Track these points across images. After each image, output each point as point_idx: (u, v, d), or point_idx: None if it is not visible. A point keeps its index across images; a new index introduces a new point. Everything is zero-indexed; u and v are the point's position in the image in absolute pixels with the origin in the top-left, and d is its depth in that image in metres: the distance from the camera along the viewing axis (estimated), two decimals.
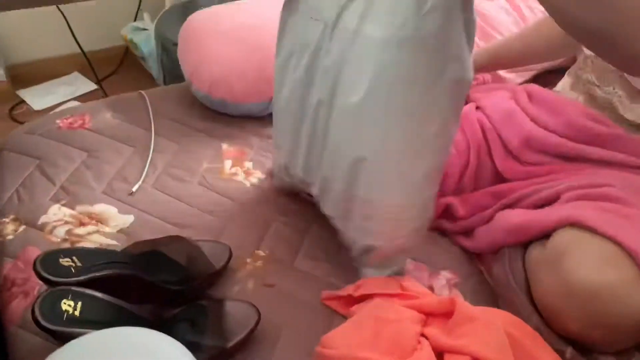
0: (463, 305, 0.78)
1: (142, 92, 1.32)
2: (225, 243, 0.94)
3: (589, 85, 1.00)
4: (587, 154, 0.93)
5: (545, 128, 0.99)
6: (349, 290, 0.88)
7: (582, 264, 0.72)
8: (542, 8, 1.50)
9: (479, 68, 1.09)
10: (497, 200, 0.95)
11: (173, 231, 0.99)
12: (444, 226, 1.00)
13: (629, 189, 0.83)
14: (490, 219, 0.94)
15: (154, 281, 0.84)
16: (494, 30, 1.38)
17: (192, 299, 0.84)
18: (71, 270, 0.79)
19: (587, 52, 0.99)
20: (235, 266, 0.94)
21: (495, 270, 0.90)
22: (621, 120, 0.95)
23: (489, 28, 1.37)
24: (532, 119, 1.01)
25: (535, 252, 0.85)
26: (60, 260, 0.80)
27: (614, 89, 0.95)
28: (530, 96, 1.06)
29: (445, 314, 0.79)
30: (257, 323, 0.82)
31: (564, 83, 1.10)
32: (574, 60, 1.12)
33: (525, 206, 0.91)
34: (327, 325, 0.85)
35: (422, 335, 0.78)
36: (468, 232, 0.98)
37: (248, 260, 0.95)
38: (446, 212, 1.00)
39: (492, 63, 1.17)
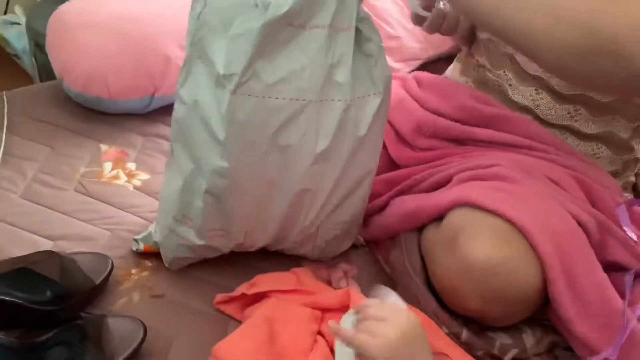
0: (358, 297, 0.76)
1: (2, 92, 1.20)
2: (105, 254, 0.87)
3: (479, 68, 1.02)
4: (477, 135, 0.95)
5: (435, 112, 0.99)
6: (242, 289, 0.84)
7: (477, 242, 0.74)
8: None
9: None
10: (391, 188, 0.95)
11: (46, 245, 0.91)
12: None
13: (517, 167, 0.85)
14: (384, 206, 0.93)
15: (21, 303, 0.76)
16: (382, 21, 1.38)
17: (68, 319, 0.77)
18: None
19: (482, 35, 1.00)
20: (119, 278, 0.87)
21: (392, 257, 0.90)
22: (510, 103, 0.97)
23: (378, 19, 1.37)
24: (422, 105, 1.02)
25: (429, 234, 0.85)
26: None
27: (504, 72, 0.96)
28: (419, 83, 1.07)
29: (342, 308, 0.77)
30: (144, 338, 0.76)
31: (454, 68, 1.11)
32: (459, 48, 1.13)
33: (419, 191, 0.91)
34: (222, 333, 0.81)
35: (319, 333, 0.76)
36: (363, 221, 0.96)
37: (133, 270, 0.89)
38: None
39: None
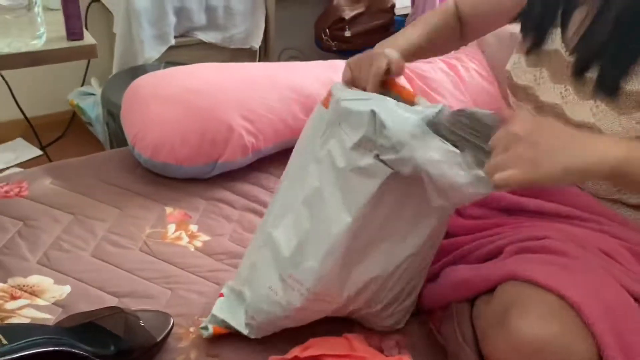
0: None
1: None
2: (166, 312, 0.91)
3: None
4: (527, 205, 0.95)
5: None
6: (295, 351, 0.85)
7: (527, 318, 0.73)
8: (476, 67, 1.56)
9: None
10: (442, 257, 0.95)
11: (111, 301, 0.95)
12: None
13: (568, 239, 0.85)
14: (436, 275, 0.94)
15: (88, 356, 0.79)
16: (433, 91, 1.43)
17: None
18: None
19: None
20: (178, 336, 0.90)
21: (444, 328, 0.89)
22: None
23: (429, 89, 1.42)
24: None
25: (480, 307, 0.84)
26: None
27: None
28: None
29: None
30: None
31: None
32: None
33: (470, 261, 0.91)
34: None
35: None
36: None
37: (191, 329, 0.92)
38: None
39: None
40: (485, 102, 1.45)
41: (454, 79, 1.46)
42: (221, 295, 0.91)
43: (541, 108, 0.95)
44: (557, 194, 0.94)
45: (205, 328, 0.88)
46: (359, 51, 1.89)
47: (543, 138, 0.68)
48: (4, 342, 0.75)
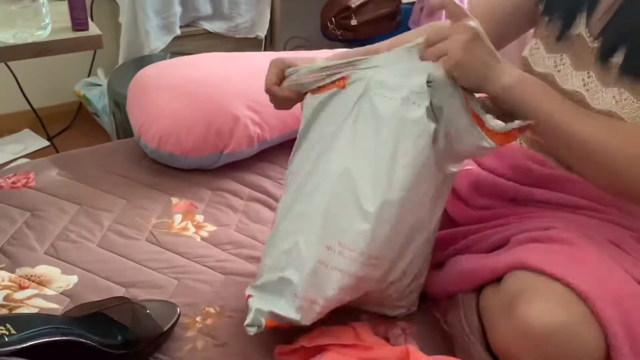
0: (417, 354, 0.76)
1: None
2: (173, 302, 0.91)
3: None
4: (534, 195, 0.94)
5: (493, 172, 1.00)
6: (302, 341, 0.85)
7: (534, 307, 0.73)
8: None
9: None
10: (448, 246, 0.95)
11: (118, 291, 0.96)
12: None
13: (575, 229, 0.84)
14: (441, 264, 0.93)
15: (95, 345, 0.80)
16: None
17: None
18: (4, 339, 0.74)
19: None
20: (185, 325, 0.90)
21: (450, 317, 0.90)
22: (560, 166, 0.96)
23: None
24: (480, 165, 1.03)
25: (488, 298, 0.84)
26: None
27: None
28: None
29: None
30: None
31: None
32: None
33: (476, 251, 0.91)
34: None
35: None
36: None
37: (198, 318, 0.92)
38: None
39: None
40: None
41: None
42: (249, 296, 0.86)
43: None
44: (564, 185, 0.93)
45: (252, 325, 0.82)
46: (365, 40, 1.88)
47: (474, 51, 0.78)
48: (13, 331, 0.76)
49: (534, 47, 0.97)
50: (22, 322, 0.78)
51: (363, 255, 0.80)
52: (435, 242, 0.93)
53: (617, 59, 0.83)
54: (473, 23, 0.78)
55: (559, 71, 0.92)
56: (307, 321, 0.83)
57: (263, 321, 0.82)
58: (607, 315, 0.71)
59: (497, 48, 0.82)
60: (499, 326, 0.78)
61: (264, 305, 0.83)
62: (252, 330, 0.82)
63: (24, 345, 0.74)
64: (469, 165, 1.05)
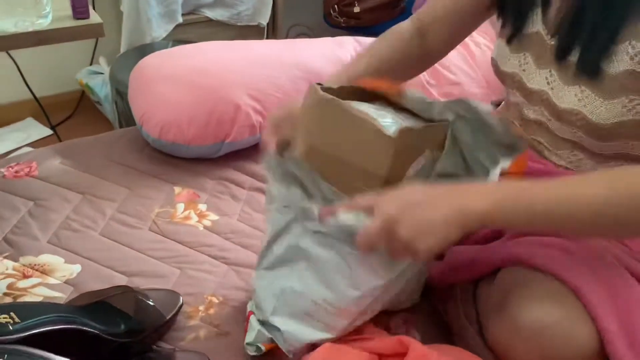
0: (416, 344, 0.77)
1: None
2: (175, 291, 0.92)
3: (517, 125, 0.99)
4: None
5: None
6: None
7: (526, 303, 0.73)
8: (487, 42, 1.52)
9: None
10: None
11: (121, 280, 0.96)
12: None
13: None
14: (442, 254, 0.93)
15: (99, 334, 0.80)
16: (444, 68, 1.41)
17: (140, 351, 0.81)
18: (8, 328, 0.75)
19: (512, 98, 0.96)
20: (188, 314, 0.91)
21: (449, 308, 0.90)
22: (554, 164, 0.95)
23: (439, 66, 1.40)
24: None
25: (483, 290, 0.84)
26: None
27: (536, 137, 0.93)
28: None
29: (400, 355, 0.77)
30: None
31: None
32: None
33: (472, 242, 0.90)
34: None
35: None
36: None
37: (201, 307, 0.93)
38: None
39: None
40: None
41: (464, 55, 1.44)
42: (250, 314, 0.87)
43: (529, 96, 0.89)
44: (561, 173, 0.93)
45: (251, 345, 0.83)
46: (368, 27, 1.86)
47: (411, 216, 0.68)
48: (17, 320, 0.76)
49: (500, 48, 0.93)
50: (26, 310, 0.78)
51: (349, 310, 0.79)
52: None
53: (574, 57, 0.79)
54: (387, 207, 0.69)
55: (524, 70, 0.88)
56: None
57: (262, 347, 0.83)
58: (600, 310, 0.70)
59: (453, 45, 0.81)
60: (493, 321, 0.78)
61: (262, 336, 0.83)
62: (251, 350, 0.83)
63: (28, 333, 0.75)
64: None
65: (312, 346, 0.81)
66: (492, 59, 0.95)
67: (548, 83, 0.84)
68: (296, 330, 0.80)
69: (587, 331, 0.71)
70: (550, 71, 0.84)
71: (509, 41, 0.89)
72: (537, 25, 0.86)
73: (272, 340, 0.82)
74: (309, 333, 0.80)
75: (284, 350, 0.82)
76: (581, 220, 0.67)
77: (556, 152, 0.90)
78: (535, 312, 0.71)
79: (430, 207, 0.68)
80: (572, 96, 0.80)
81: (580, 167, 0.88)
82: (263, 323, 0.84)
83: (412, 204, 0.68)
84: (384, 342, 0.80)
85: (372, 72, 0.93)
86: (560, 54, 0.81)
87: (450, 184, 0.71)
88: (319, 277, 0.78)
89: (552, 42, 0.83)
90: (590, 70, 0.77)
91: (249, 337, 0.83)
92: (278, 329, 0.81)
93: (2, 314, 0.76)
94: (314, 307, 0.79)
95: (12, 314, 0.77)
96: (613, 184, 0.67)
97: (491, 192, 0.69)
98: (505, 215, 0.68)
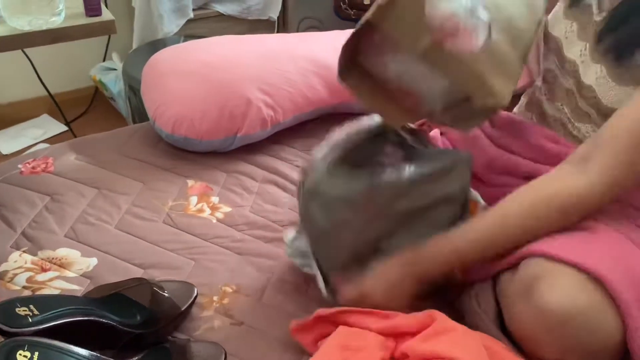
0: (443, 316, 0.78)
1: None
2: (190, 282, 0.93)
3: (541, 103, 1.02)
4: (545, 171, 0.93)
5: (507, 150, 1.00)
6: (319, 312, 0.85)
7: (553, 291, 0.72)
8: None
9: None
10: None
11: (137, 272, 0.98)
12: None
13: None
14: None
15: (115, 325, 0.82)
16: None
17: (156, 342, 0.83)
18: (28, 320, 0.77)
19: (545, 64, 1.01)
20: (202, 305, 0.92)
21: (463, 300, 0.90)
22: (572, 138, 0.96)
23: None
24: (494, 142, 1.02)
25: (505, 283, 0.83)
26: (17, 309, 0.77)
27: (561, 105, 0.96)
28: (491, 120, 1.08)
29: (421, 332, 0.78)
30: None
31: (521, 103, 1.12)
32: (531, 84, 1.14)
33: None
34: None
35: (393, 357, 0.77)
36: None
37: (215, 298, 0.94)
38: None
39: None
40: None
41: None
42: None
43: (564, 64, 0.95)
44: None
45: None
46: None
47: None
48: (36, 312, 0.78)
49: (556, 10, 0.99)
50: (45, 303, 0.80)
51: None
52: None
53: (611, 37, 0.84)
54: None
55: (566, 38, 0.94)
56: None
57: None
58: (624, 299, 0.70)
59: None
60: (517, 310, 0.77)
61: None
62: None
63: (47, 325, 0.77)
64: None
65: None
66: (545, 19, 1.00)
67: (580, 55, 0.90)
68: None
69: (613, 320, 0.71)
70: (585, 45, 0.90)
71: (570, 5, 0.95)
72: None
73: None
74: None
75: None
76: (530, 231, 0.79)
77: (576, 123, 0.93)
78: (562, 301, 0.71)
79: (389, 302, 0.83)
80: (592, 74, 0.85)
81: None
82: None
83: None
84: (410, 318, 0.80)
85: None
86: (605, 32, 0.86)
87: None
88: None
89: (598, 18, 0.88)
90: (617, 56, 0.82)
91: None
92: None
93: (21, 306, 0.78)
94: None
95: (31, 306, 0.79)
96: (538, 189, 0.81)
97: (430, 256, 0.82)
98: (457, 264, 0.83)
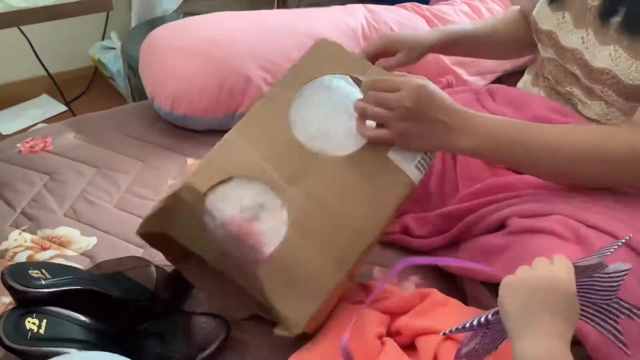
0: (435, 292, 0.78)
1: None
2: None
3: (548, 82, 1.01)
4: None
5: None
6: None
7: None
8: (499, 8, 1.51)
9: (428, 47, 1.01)
10: (449, 222, 0.92)
11: (137, 251, 0.97)
12: (412, 244, 0.97)
13: (578, 212, 0.78)
14: (449, 241, 0.92)
15: (122, 297, 0.82)
16: None
17: (161, 314, 0.83)
18: (41, 282, 0.76)
19: (545, 54, 1.00)
20: None
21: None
22: (582, 115, 0.95)
23: None
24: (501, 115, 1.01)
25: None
26: (30, 271, 0.77)
27: (570, 89, 0.95)
28: (493, 95, 1.07)
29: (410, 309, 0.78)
30: (227, 336, 0.81)
31: (525, 79, 1.10)
32: (534, 60, 1.13)
33: (475, 234, 0.88)
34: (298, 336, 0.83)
35: (388, 334, 0.77)
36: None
37: None
38: (406, 231, 0.98)
39: (444, 45, 1.06)
40: None
41: (476, 21, 1.41)
42: None
43: (563, 54, 0.95)
44: None
45: None
46: None
47: (420, 120, 0.79)
48: (48, 276, 0.78)
49: (541, 6, 1.00)
50: (55, 269, 0.80)
51: None
52: (438, 218, 0.92)
53: (616, 18, 0.85)
54: (422, 81, 0.79)
55: (560, 29, 0.95)
56: None
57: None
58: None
59: None
60: None
61: None
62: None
63: (59, 288, 0.76)
64: None
65: None
66: (532, 17, 1.02)
67: (583, 42, 0.90)
68: None
69: None
70: (586, 31, 0.90)
71: (551, 1, 0.97)
72: None
73: None
74: None
75: None
76: (570, 158, 0.78)
77: (588, 102, 0.93)
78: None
79: (422, 139, 0.80)
80: (606, 55, 0.86)
81: (611, 121, 0.91)
82: None
83: (413, 133, 0.80)
84: (402, 298, 0.80)
85: (477, 44, 1.12)
86: (605, 15, 0.87)
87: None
88: None
89: (595, 3, 0.89)
90: (633, 29, 0.82)
91: None
92: None
93: (34, 269, 0.78)
94: None
95: (43, 270, 0.79)
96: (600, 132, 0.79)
97: (479, 130, 0.79)
98: (489, 154, 0.82)
